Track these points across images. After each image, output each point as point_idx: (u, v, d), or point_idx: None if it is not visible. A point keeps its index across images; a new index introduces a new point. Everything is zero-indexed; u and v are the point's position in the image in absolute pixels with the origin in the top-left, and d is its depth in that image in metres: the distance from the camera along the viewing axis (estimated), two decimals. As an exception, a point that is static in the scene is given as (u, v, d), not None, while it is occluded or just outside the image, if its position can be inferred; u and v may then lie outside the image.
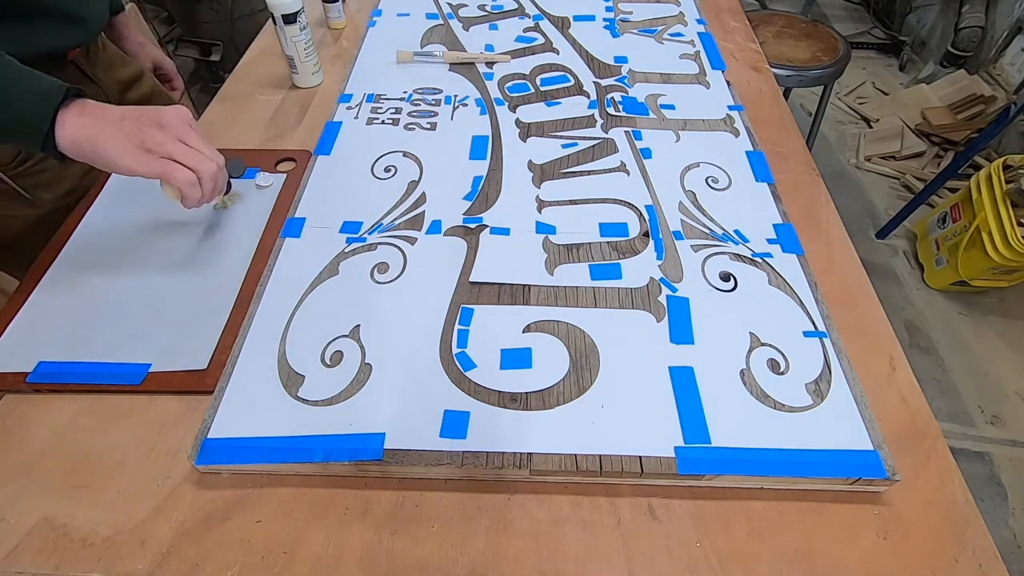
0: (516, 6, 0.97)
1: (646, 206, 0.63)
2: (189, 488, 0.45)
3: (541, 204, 0.64)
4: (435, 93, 0.80)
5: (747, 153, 0.70)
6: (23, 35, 0.59)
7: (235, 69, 0.88)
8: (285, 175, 0.68)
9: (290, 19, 0.75)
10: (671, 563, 0.41)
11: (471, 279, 0.56)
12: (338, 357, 0.50)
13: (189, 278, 0.58)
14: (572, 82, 0.81)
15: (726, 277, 0.57)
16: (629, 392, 0.48)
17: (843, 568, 0.41)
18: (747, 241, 0.60)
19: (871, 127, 2.04)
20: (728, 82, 0.81)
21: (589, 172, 0.68)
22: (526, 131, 0.73)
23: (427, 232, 0.61)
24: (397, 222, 0.62)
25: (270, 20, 0.78)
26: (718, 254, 0.59)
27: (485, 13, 0.96)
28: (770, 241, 0.60)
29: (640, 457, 0.44)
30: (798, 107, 2.15)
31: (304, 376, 0.49)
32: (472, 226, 0.61)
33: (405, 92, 0.80)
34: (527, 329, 0.52)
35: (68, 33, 0.65)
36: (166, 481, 0.45)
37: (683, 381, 0.49)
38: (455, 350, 0.50)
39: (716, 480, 0.44)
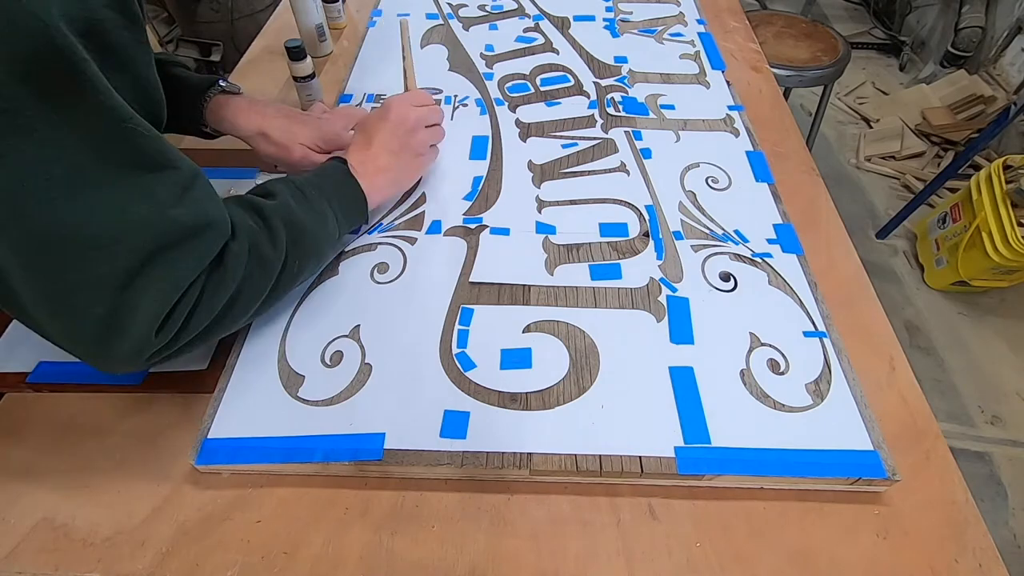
0: (516, 6, 0.97)
1: (646, 206, 0.63)
2: (189, 488, 0.45)
3: (541, 204, 0.64)
4: (435, 93, 0.79)
5: (747, 153, 0.70)
6: None
7: (235, 69, 0.88)
8: (285, 175, 0.68)
9: None
10: (671, 563, 0.41)
11: (471, 279, 0.56)
12: (338, 357, 0.50)
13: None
14: (572, 82, 0.81)
15: (726, 277, 0.57)
16: (629, 392, 0.48)
17: (843, 568, 0.41)
18: (747, 241, 0.60)
19: (871, 127, 2.04)
20: (728, 82, 0.81)
21: (589, 172, 0.68)
22: (526, 131, 0.73)
23: (427, 232, 0.61)
24: (397, 222, 0.62)
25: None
26: (718, 254, 0.59)
27: (485, 13, 0.96)
28: (770, 241, 0.60)
29: (640, 457, 0.44)
30: (798, 107, 2.15)
31: (304, 376, 0.49)
32: (472, 226, 0.61)
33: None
34: (527, 329, 0.52)
35: None
36: (166, 481, 0.45)
37: (683, 381, 0.49)
38: (455, 350, 0.50)
39: (716, 480, 0.44)
